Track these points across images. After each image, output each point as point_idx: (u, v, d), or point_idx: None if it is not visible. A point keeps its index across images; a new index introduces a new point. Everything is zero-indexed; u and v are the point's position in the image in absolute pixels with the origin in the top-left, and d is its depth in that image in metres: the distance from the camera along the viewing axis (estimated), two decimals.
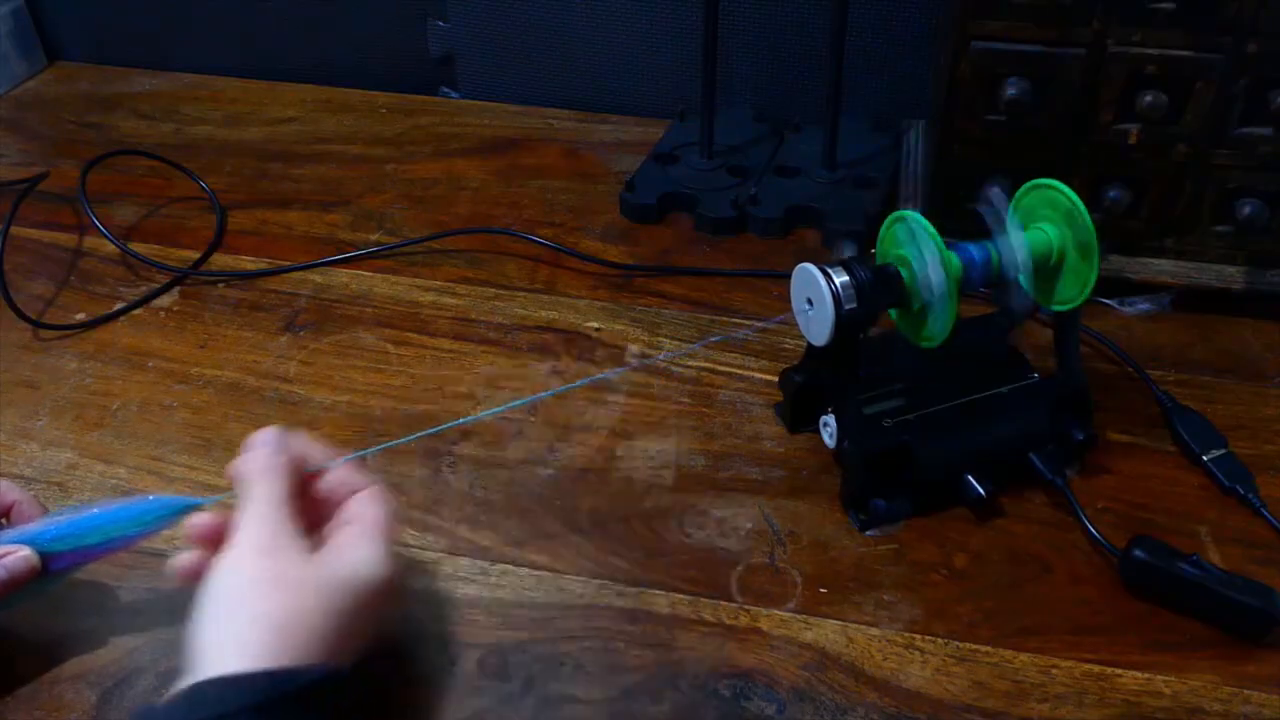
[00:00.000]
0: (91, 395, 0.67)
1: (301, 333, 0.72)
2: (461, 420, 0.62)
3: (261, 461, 0.47)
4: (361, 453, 0.52)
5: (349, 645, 0.43)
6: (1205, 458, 0.60)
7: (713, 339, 0.69)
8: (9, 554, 0.47)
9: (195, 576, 0.45)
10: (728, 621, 0.52)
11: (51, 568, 0.48)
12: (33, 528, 0.49)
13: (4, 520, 0.51)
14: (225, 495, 0.56)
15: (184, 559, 0.47)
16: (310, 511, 0.48)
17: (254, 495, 0.46)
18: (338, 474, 0.50)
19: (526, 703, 0.49)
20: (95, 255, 0.80)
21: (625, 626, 0.52)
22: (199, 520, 0.48)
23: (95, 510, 0.49)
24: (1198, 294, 0.70)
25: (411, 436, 0.58)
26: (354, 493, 0.49)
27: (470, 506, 0.59)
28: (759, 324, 0.70)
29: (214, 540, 0.47)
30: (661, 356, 0.68)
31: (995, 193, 0.54)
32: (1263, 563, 0.55)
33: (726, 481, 0.60)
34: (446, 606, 0.53)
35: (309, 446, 0.50)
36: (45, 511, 0.52)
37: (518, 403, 0.64)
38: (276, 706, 0.39)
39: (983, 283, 0.55)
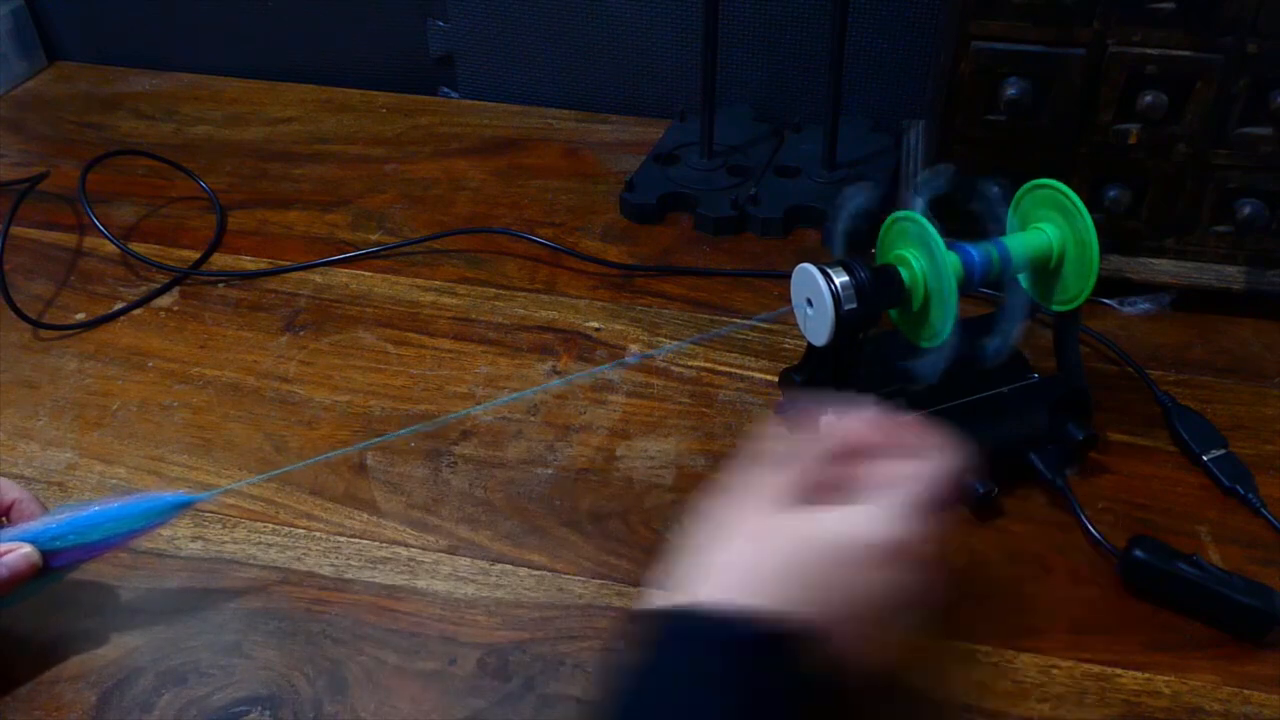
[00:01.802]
0: (91, 395, 0.67)
1: (301, 333, 0.72)
2: (514, 398, 0.62)
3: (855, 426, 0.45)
4: (350, 450, 0.52)
5: (824, 600, 0.41)
6: (1205, 458, 0.60)
7: (700, 338, 0.69)
8: (10, 551, 0.47)
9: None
10: None
11: (52, 565, 0.48)
12: (33, 526, 0.49)
13: (4, 519, 0.51)
14: (223, 490, 0.56)
15: (835, 422, 0.46)
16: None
17: (807, 453, 0.44)
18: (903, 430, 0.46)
19: (526, 703, 0.49)
20: (95, 255, 0.80)
21: (625, 626, 0.52)
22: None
23: (95, 508, 0.49)
24: (1198, 294, 0.70)
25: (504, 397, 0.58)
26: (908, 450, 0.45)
27: (470, 506, 0.59)
28: (754, 320, 0.70)
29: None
30: (657, 354, 0.68)
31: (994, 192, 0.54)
32: (1263, 563, 0.55)
33: None
34: (446, 606, 0.53)
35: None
36: (44, 510, 0.52)
37: (516, 395, 0.64)
38: (754, 646, 0.39)
39: (983, 283, 0.55)
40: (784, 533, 0.42)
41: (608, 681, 0.40)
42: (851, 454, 0.45)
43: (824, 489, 0.44)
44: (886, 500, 0.42)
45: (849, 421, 0.46)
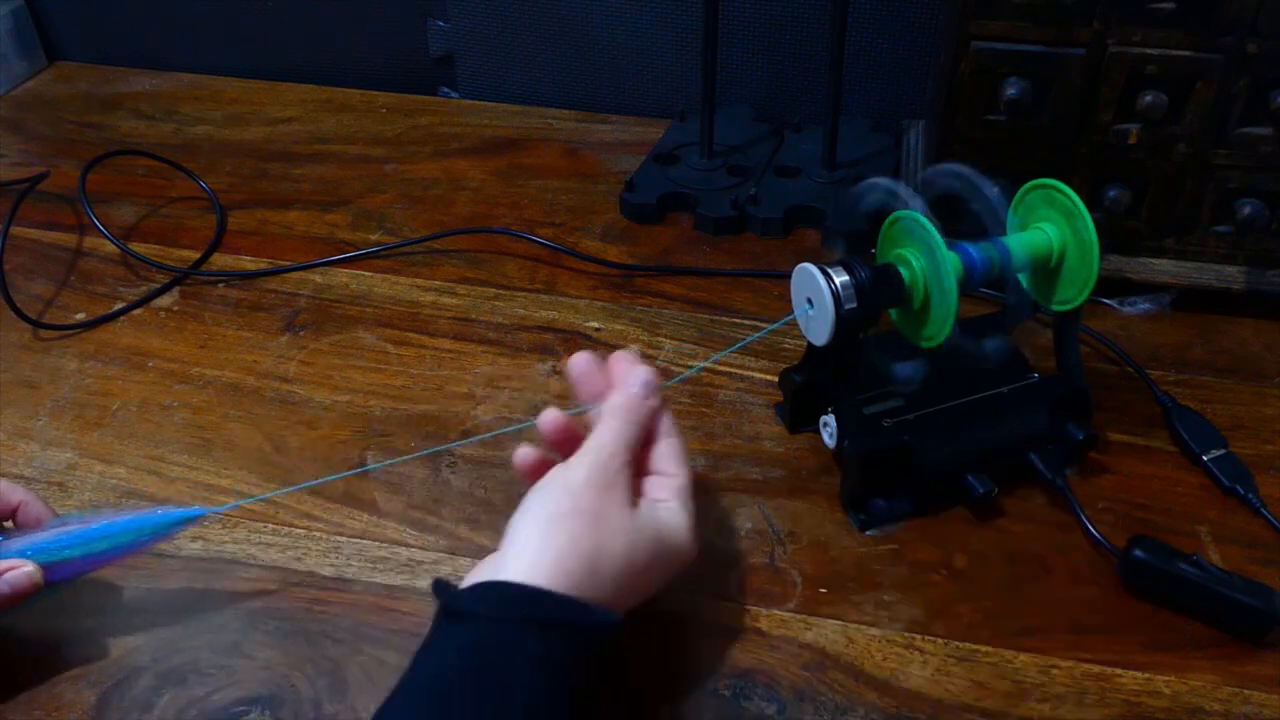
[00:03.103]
0: (91, 395, 0.67)
1: (301, 333, 0.71)
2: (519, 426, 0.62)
3: (632, 403, 0.49)
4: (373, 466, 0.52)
5: (639, 595, 0.46)
6: (1205, 458, 0.60)
7: (724, 352, 0.69)
8: (12, 569, 0.47)
9: (534, 473, 0.47)
10: (727, 621, 0.52)
11: (55, 578, 0.48)
12: (40, 537, 0.49)
13: (10, 522, 0.51)
14: (229, 507, 0.57)
15: (528, 454, 0.49)
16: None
17: (610, 431, 0.47)
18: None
19: None
20: (95, 255, 0.80)
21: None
22: (552, 420, 0.49)
23: (102, 521, 0.49)
24: (1198, 294, 0.70)
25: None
26: (657, 439, 0.50)
27: (470, 506, 0.59)
28: (767, 328, 0.70)
29: (561, 443, 0.49)
30: (690, 370, 0.68)
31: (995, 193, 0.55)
32: (1263, 563, 0.55)
33: (726, 481, 0.60)
34: None
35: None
36: (51, 511, 0.52)
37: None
38: (561, 632, 0.41)
39: (983, 283, 0.55)
40: (625, 528, 0.45)
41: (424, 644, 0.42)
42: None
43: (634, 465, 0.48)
44: (688, 510, 0.47)
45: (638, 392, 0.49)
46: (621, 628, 0.43)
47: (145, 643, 0.51)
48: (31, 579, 0.47)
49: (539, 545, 0.43)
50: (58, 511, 0.52)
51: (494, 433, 0.62)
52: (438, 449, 0.61)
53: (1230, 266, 0.70)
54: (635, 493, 0.48)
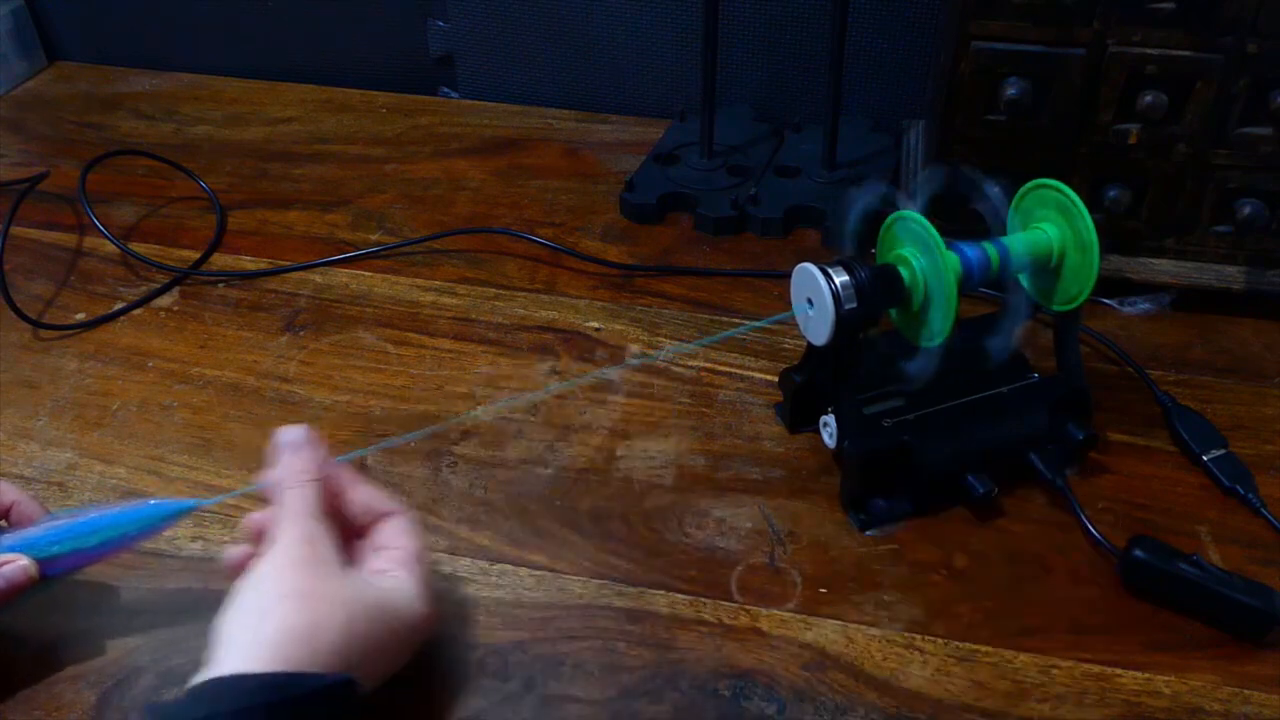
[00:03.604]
0: (91, 395, 0.67)
1: (301, 333, 0.71)
2: (463, 416, 0.63)
3: (293, 467, 0.48)
4: (362, 451, 0.52)
5: (372, 667, 0.44)
6: (1205, 458, 0.60)
7: (709, 339, 0.69)
8: (7, 563, 0.47)
9: (243, 570, 0.46)
10: (728, 621, 0.52)
11: (49, 572, 0.48)
12: (31, 532, 0.49)
13: (4, 522, 0.51)
14: (225, 496, 0.57)
15: (235, 553, 0.48)
16: (339, 521, 0.49)
17: (288, 503, 0.47)
18: (366, 493, 0.50)
19: (526, 703, 0.49)
20: (95, 255, 0.80)
21: (625, 626, 0.52)
22: (254, 517, 0.49)
23: (93, 514, 0.49)
24: (1198, 294, 0.70)
25: (412, 435, 0.58)
26: (383, 516, 0.50)
27: (470, 506, 0.59)
28: (759, 324, 0.70)
29: (264, 537, 0.47)
30: (660, 355, 0.68)
31: (995, 191, 0.55)
32: (1263, 563, 0.55)
33: (726, 481, 0.60)
34: (446, 606, 0.53)
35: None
36: (44, 510, 0.52)
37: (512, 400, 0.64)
38: (285, 707, 0.40)
39: (983, 283, 0.55)
40: (339, 599, 0.44)
41: None
42: (335, 500, 0.49)
43: (344, 538, 0.48)
44: (416, 578, 0.47)
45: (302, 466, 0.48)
46: (354, 686, 0.42)
47: (145, 643, 0.51)
48: (26, 572, 0.47)
49: (252, 637, 0.42)
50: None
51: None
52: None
53: (1230, 266, 0.70)
54: (356, 561, 0.48)
